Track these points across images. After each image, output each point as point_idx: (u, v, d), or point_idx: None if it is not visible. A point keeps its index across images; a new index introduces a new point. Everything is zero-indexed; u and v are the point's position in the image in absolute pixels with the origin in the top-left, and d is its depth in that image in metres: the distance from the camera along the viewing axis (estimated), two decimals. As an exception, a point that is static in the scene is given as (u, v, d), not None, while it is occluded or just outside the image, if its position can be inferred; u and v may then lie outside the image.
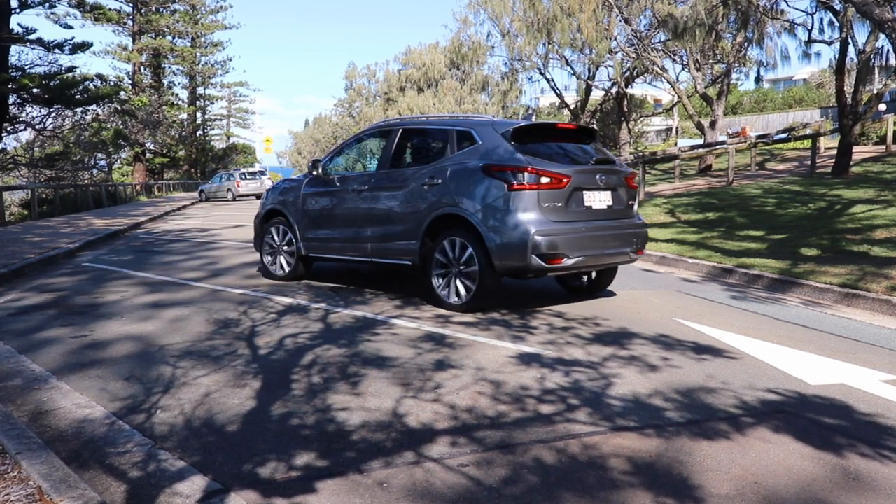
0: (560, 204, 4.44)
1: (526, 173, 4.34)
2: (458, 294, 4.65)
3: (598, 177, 4.69)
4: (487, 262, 4.43)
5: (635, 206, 5.09)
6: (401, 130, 5.33)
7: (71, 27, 27.34)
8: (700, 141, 20.21)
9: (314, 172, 5.78)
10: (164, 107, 34.48)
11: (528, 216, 4.32)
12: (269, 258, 6.17)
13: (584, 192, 4.60)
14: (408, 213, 4.91)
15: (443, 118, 5.39)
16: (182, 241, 9.99)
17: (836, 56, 13.37)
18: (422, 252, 4.82)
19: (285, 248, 6.03)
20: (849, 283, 5.47)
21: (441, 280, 4.75)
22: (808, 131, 18.13)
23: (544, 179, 4.37)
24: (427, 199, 4.77)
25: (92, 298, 5.37)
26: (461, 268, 4.61)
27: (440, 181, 4.70)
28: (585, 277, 5.41)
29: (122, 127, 27.98)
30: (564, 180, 4.44)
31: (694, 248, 7.76)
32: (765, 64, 16.12)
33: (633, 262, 5.15)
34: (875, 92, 14.79)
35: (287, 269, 6.01)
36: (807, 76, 35.06)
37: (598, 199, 4.70)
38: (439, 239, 4.72)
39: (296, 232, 5.85)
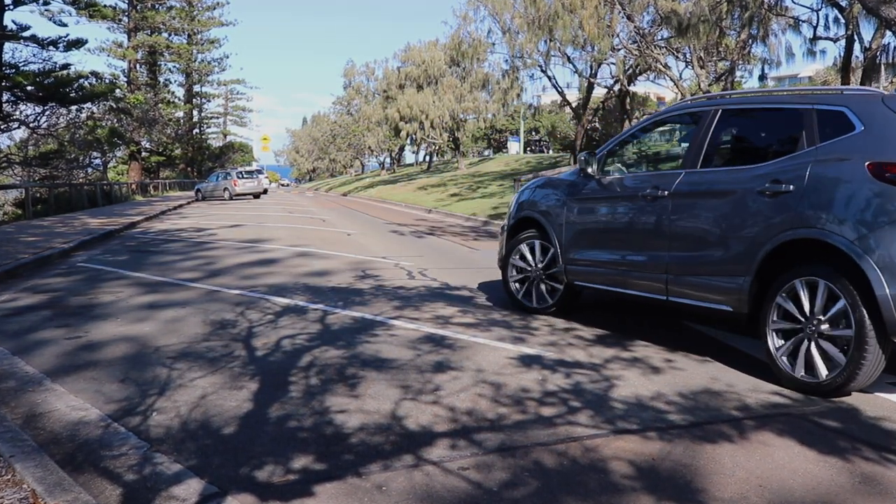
0: None
1: None
2: (813, 366, 3.02)
3: None
4: (874, 324, 2.84)
5: None
6: (719, 112, 3.70)
7: (65, 24, 27.43)
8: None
9: (588, 170, 4.27)
10: (160, 105, 34.33)
11: None
12: (518, 284, 4.77)
13: None
14: (731, 234, 3.36)
15: (792, 92, 3.80)
16: (178, 241, 9.94)
17: (842, 54, 13.33)
18: (752, 294, 3.27)
19: (542, 271, 4.61)
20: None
21: (785, 341, 3.15)
22: None
23: None
24: (766, 214, 3.21)
25: (87, 299, 5.32)
26: (824, 327, 3.00)
27: (790, 188, 3.13)
28: None
29: (117, 125, 27.83)
30: None
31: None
32: (769, 61, 16.05)
33: None
34: (882, 89, 14.77)
35: (545, 298, 4.61)
36: (812, 74, 34.98)
37: None
38: (786, 277, 3.14)
39: (557, 250, 4.42)
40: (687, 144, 3.92)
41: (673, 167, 4.16)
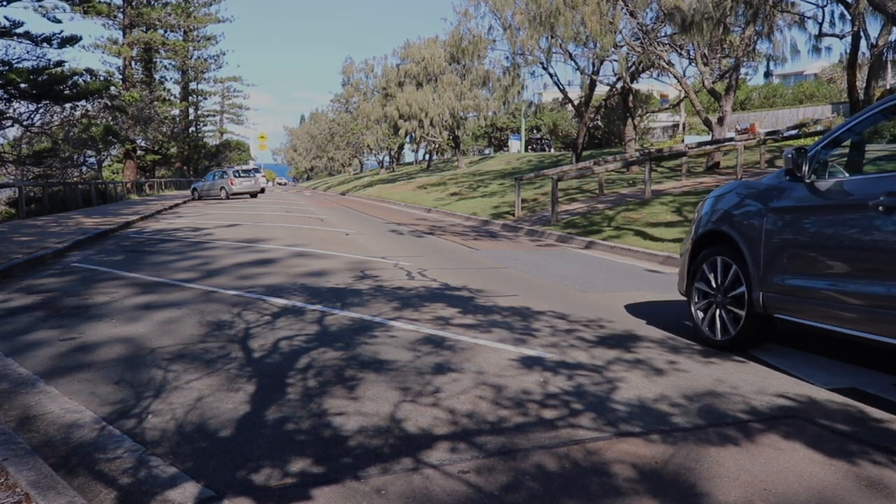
0: None
1: None
2: None
3: None
4: None
5: None
6: None
7: (60, 20, 27.23)
8: (707, 137, 20.13)
9: (797, 171, 3.39)
10: (156, 102, 34.17)
11: None
12: (701, 310, 3.98)
13: None
14: None
15: None
16: (174, 241, 9.87)
17: (848, 50, 13.26)
18: None
19: (728, 296, 3.76)
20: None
21: None
22: (818, 128, 18.01)
23: None
24: None
25: (81, 300, 5.27)
26: None
27: None
28: None
29: (112, 123, 27.66)
30: None
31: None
32: (774, 58, 15.95)
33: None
34: (888, 87, 14.73)
35: (729, 329, 3.74)
36: (817, 71, 35.01)
37: None
38: None
39: (752, 272, 3.53)
40: None
41: None
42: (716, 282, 3.88)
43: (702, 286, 3.98)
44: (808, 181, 3.37)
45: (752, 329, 3.64)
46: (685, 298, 4.22)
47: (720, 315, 3.84)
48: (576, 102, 22.56)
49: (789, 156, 3.44)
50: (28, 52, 19.18)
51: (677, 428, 2.64)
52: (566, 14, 16.58)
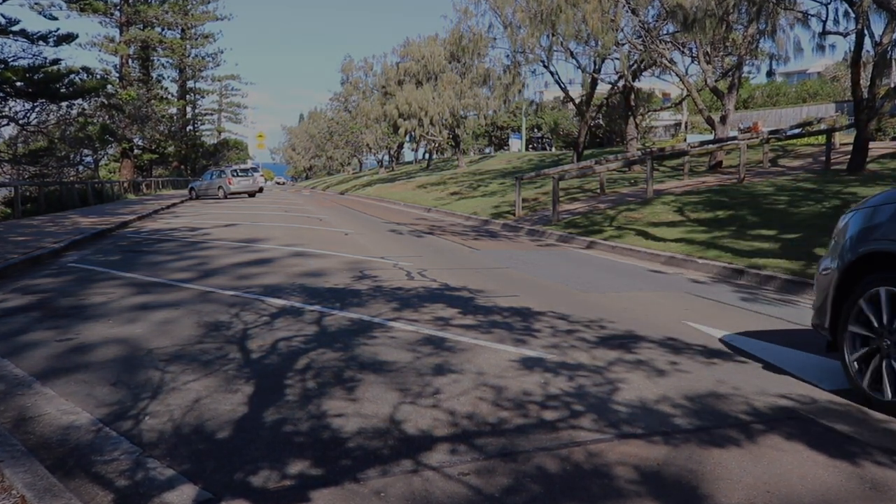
0: None
1: None
2: None
3: None
4: None
5: None
6: None
7: (56, 18, 27.14)
8: (710, 136, 20.08)
9: None
10: (153, 101, 34.04)
11: None
12: (860, 359, 3.03)
13: None
14: None
15: None
16: (171, 241, 9.84)
17: (852, 48, 13.18)
18: None
19: None
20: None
21: None
22: (822, 126, 18.00)
23: None
24: None
25: (78, 300, 5.24)
26: None
27: None
28: None
29: (109, 122, 27.57)
30: None
31: (703, 248, 7.71)
32: (777, 57, 15.79)
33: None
34: (892, 85, 14.64)
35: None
36: (821, 69, 34.90)
37: None
38: None
39: None
40: None
41: None
42: (885, 322, 2.91)
43: (860, 327, 3.02)
44: None
45: None
46: (818, 330, 3.38)
47: (890, 366, 2.86)
48: (577, 101, 22.49)
49: None
50: (24, 50, 19.10)
51: (679, 429, 2.63)
52: (567, 12, 16.52)
